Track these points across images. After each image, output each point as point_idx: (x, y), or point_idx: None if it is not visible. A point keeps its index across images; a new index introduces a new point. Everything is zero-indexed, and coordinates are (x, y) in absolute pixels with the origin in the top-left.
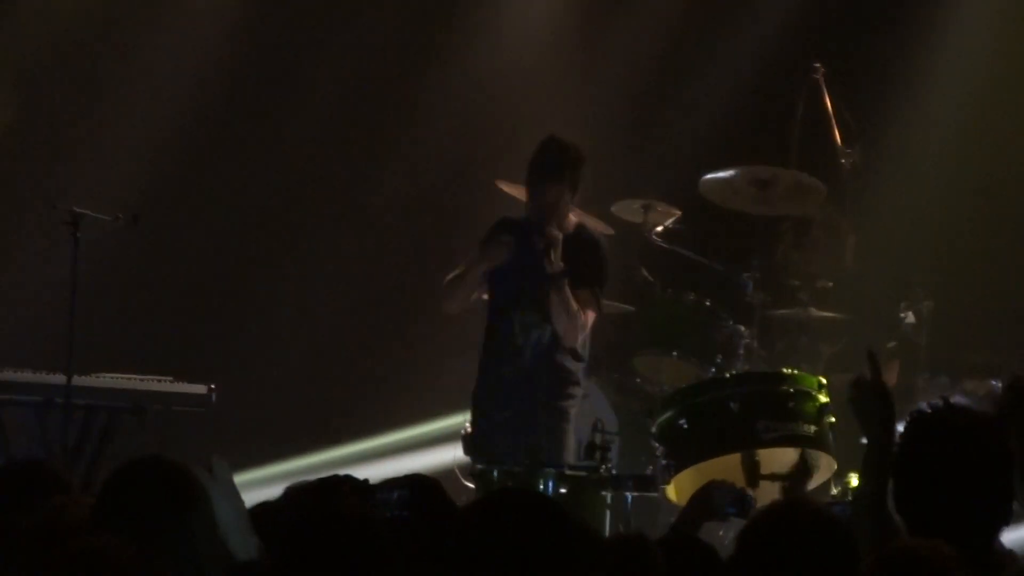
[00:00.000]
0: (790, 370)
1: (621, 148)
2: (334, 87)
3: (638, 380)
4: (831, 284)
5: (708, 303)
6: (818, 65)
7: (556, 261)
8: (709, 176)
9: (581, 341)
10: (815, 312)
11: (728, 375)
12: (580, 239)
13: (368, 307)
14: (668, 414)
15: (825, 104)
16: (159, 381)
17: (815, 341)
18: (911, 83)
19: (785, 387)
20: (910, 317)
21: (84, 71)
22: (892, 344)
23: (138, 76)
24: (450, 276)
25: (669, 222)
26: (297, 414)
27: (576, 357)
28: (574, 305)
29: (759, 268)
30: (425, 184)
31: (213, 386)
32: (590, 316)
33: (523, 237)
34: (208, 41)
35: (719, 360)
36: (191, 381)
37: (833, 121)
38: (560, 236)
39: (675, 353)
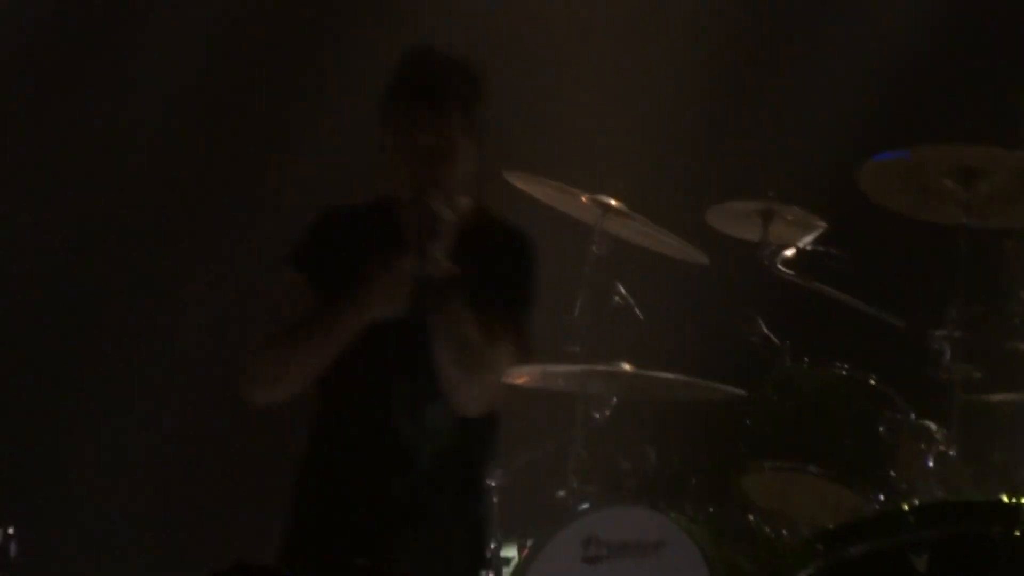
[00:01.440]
0: (1016, 499)
1: (720, 119)
2: None
3: (751, 516)
4: None
5: (872, 381)
6: None
7: (440, 257)
8: (875, 161)
9: (488, 400)
10: None
11: (908, 507)
12: (487, 230)
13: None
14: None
15: None
16: None
17: None
18: None
19: (1007, 529)
20: None
21: None
22: None
23: None
24: (278, 334)
25: (806, 240)
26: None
27: (484, 435)
28: (472, 333)
29: (960, 322)
30: None
31: (11, 531)
32: (505, 356)
33: (381, 233)
34: None
35: (891, 480)
36: None
37: None
38: (450, 215)
39: (815, 468)
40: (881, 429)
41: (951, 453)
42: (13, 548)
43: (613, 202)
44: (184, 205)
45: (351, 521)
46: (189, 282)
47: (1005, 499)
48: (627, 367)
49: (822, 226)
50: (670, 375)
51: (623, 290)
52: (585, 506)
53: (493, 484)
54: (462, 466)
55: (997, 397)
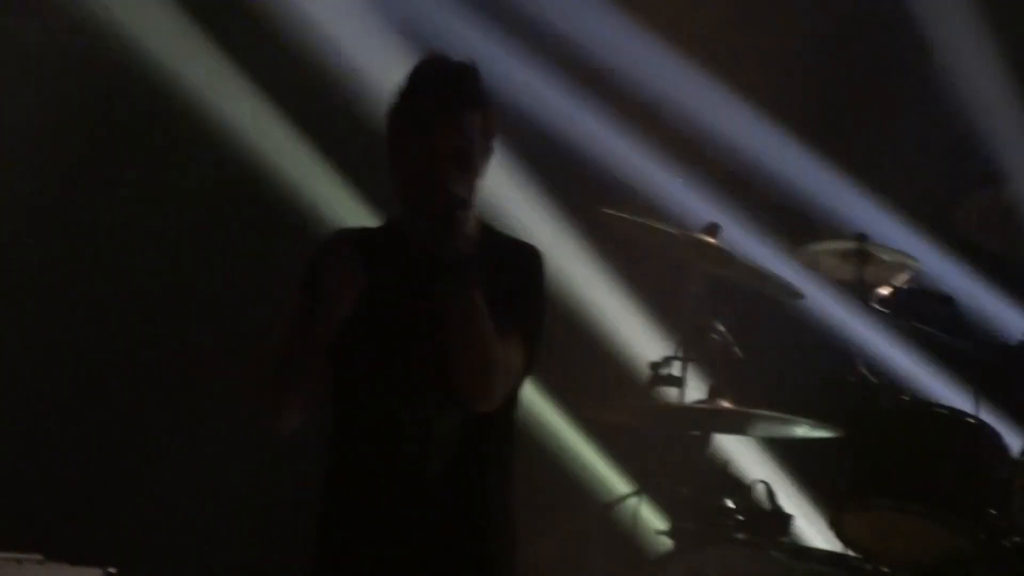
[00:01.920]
0: None
1: (815, 158)
2: None
3: (851, 558)
4: None
5: (973, 420)
6: None
7: (458, 240)
8: (970, 199)
9: (500, 395)
10: None
11: (1010, 546)
12: (494, 241)
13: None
14: None
15: None
16: (35, 563)
17: None
18: None
19: None
20: None
21: None
22: None
23: None
24: (270, 364)
25: (901, 279)
26: None
27: (501, 434)
28: (488, 322)
29: None
30: None
31: (112, 570)
32: (515, 360)
33: (391, 255)
34: None
35: (993, 518)
36: (78, 562)
37: None
38: (466, 198)
39: (916, 506)
40: (981, 467)
41: None
42: None
43: (711, 240)
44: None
45: (367, 548)
46: None
47: None
48: (726, 404)
49: (916, 265)
50: (769, 412)
51: (722, 327)
52: (688, 545)
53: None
54: (476, 482)
55: None
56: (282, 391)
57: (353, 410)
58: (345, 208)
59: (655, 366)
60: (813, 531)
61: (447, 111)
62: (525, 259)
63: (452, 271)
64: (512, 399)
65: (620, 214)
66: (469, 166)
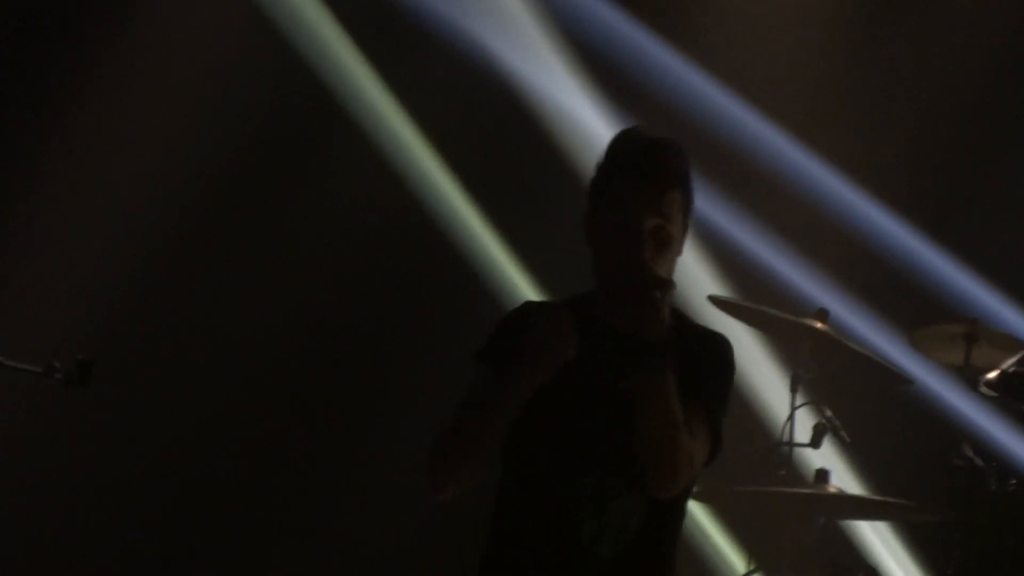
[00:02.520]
0: None
1: (923, 240)
2: None
3: None
4: None
5: None
6: None
7: (661, 317)
8: None
9: (683, 483)
10: None
11: None
12: (686, 327)
13: None
14: None
15: None
16: None
17: None
18: None
19: None
20: None
21: None
22: None
23: None
24: (455, 425)
25: (1011, 363)
26: None
27: (675, 520)
28: (678, 406)
29: None
30: None
31: None
32: (700, 449)
33: (583, 331)
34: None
35: None
36: None
37: None
38: (668, 279)
39: None
40: None
41: None
42: None
43: (819, 324)
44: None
45: None
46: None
47: None
48: (833, 489)
49: None
50: (875, 497)
51: (830, 412)
52: None
53: None
54: (650, 569)
55: None
56: (463, 460)
57: (528, 483)
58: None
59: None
60: None
61: (651, 189)
62: (717, 349)
63: (650, 352)
64: (689, 487)
65: (729, 298)
66: (670, 246)
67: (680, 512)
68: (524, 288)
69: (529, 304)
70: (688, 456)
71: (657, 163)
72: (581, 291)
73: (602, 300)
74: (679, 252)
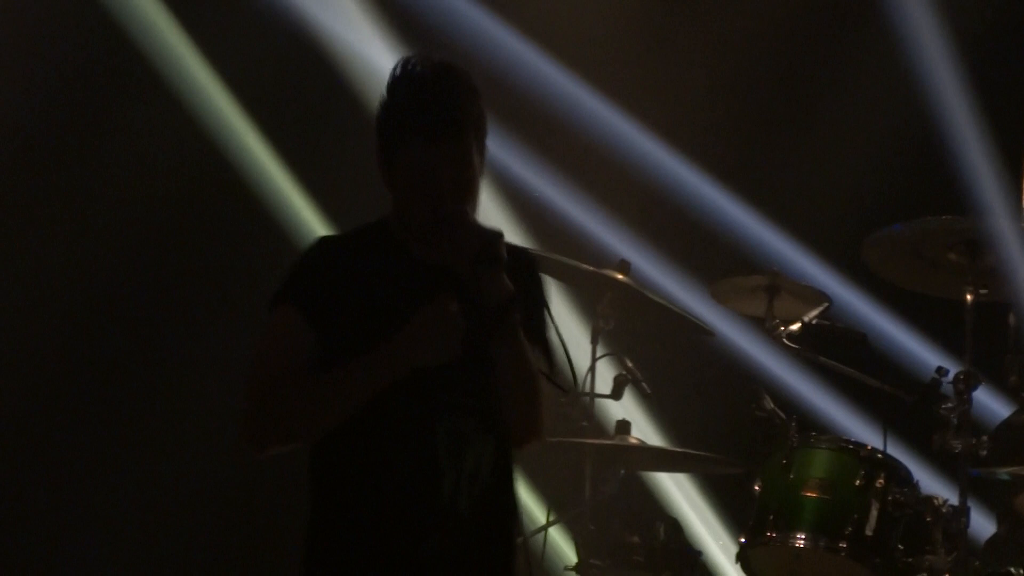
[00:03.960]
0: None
1: (724, 194)
2: None
3: None
4: None
5: (880, 454)
6: None
7: (501, 280)
8: (878, 235)
9: (543, 429)
10: None
11: None
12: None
13: None
14: None
15: None
16: None
17: None
18: None
19: None
20: None
21: None
22: None
23: None
24: (278, 376)
25: (812, 315)
26: None
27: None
28: (532, 359)
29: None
30: None
31: None
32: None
33: (387, 256)
34: None
35: (899, 553)
36: None
37: None
38: (499, 231)
39: (824, 541)
40: (889, 501)
41: (960, 525)
42: None
43: (620, 276)
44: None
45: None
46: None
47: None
48: (634, 440)
49: (827, 300)
50: (676, 449)
51: (630, 364)
52: None
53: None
54: (503, 515)
55: (1006, 470)
56: (302, 418)
57: (373, 437)
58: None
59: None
60: (728, 567)
61: (446, 142)
62: (532, 270)
63: (498, 314)
64: None
65: (534, 250)
66: (471, 190)
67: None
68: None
69: (324, 240)
70: (541, 407)
71: (451, 113)
72: (370, 221)
73: (407, 232)
74: (479, 186)
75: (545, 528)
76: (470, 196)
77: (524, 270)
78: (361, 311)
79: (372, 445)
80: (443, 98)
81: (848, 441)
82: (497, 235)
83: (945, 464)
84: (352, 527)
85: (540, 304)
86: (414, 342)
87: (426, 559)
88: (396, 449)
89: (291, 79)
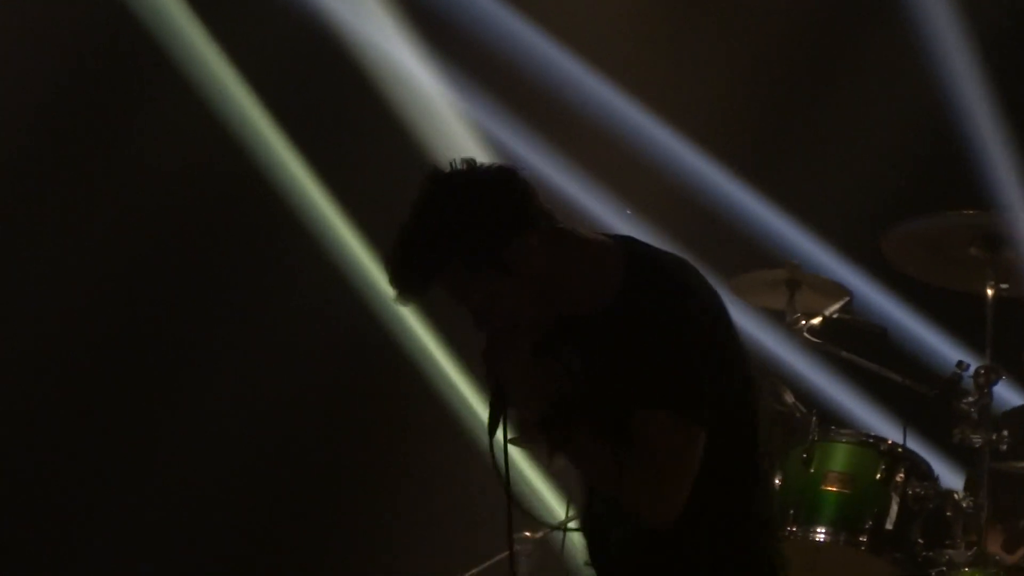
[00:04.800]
0: None
1: (746, 188)
2: None
3: None
4: None
5: (900, 448)
6: None
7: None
8: (898, 229)
9: (677, 503)
10: None
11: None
12: (631, 314)
13: None
14: None
15: None
16: None
17: None
18: None
19: None
20: None
21: None
22: None
23: None
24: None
25: (833, 309)
26: None
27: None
28: (604, 456)
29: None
30: None
31: None
32: (678, 448)
33: None
34: None
35: (919, 547)
36: None
37: None
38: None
39: (844, 535)
40: (909, 495)
41: (980, 519)
42: None
43: None
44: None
45: None
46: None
47: None
48: None
49: (847, 294)
50: None
51: None
52: None
53: None
54: None
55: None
56: None
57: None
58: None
59: None
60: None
61: (449, 292)
62: (660, 328)
63: (547, 426)
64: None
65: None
66: (502, 310)
67: (685, 535)
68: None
69: None
70: (657, 471)
71: (424, 279)
72: None
73: None
74: (521, 291)
75: (565, 523)
76: (501, 312)
77: (654, 333)
78: None
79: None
80: (417, 273)
81: (868, 435)
82: (504, 395)
83: (966, 458)
84: None
85: (668, 369)
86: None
87: None
88: (580, 515)
89: (314, 77)
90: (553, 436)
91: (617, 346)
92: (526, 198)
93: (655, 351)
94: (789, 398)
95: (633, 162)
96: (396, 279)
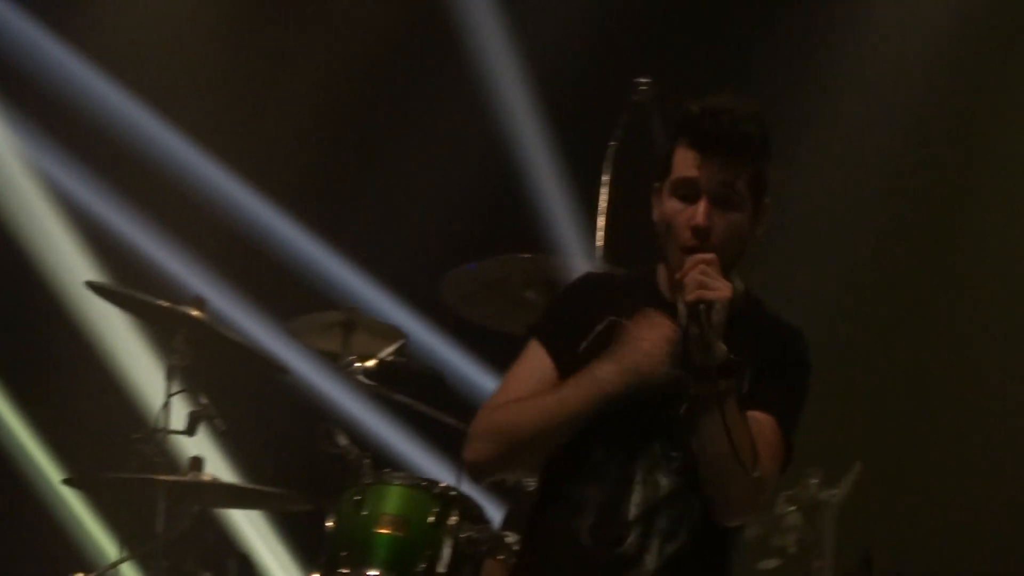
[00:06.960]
0: None
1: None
2: None
3: None
4: None
5: (455, 492)
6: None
7: (718, 344)
8: (454, 273)
9: (751, 509)
10: None
11: None
12: (762, 319)
13: None
14: None
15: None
16: None
17: None
18: None
19: None
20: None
21: None
22: None
23: None
24: (500, 407)
25: (388, 351)
26: None
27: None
28: (747, 431)
29: None
30: None
31: None
32: (773, 467)
33: (637, 304)
34: None
35: None
36: None
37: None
38: (731, 289)
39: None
40: (462, 539)
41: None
42: None
43: (195, 312)
44: None
45: None
46: None
47: None
48: (207, 477)
49: (403, 336)
50: (249, 486)
51: (206, 400)
52: None
53: None
54: None
55: None
56: (508, 443)
57: (575, 474)
58: None
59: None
60: None
61: (718, 157)
62: (793, 349)
63: (709, 377)
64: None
65: (105, 284)
66: (734, 220)
67: (736, 533)
68: None
69: (588, 275)
70: (747, 488)
71: (730, 133)
72: (645, 267)
73: (670, 283)
74: (746, 235)
75: (116, 565)
76: (731, 220)
77: (787, 351)
78: (597, 347)
79: (569, 488)
80: (732, 123)
81: (422, 479)
82: (724, 297)
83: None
84: (540, 563)
85: (792, 386)
86: (620, 352)
87: None
88: (591, 495)
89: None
90: (724, 385)
91: (752, 344)
92: None
93: (783, 364)
94: (343, 440)
95: (188, 201)
96: (737, 120)
